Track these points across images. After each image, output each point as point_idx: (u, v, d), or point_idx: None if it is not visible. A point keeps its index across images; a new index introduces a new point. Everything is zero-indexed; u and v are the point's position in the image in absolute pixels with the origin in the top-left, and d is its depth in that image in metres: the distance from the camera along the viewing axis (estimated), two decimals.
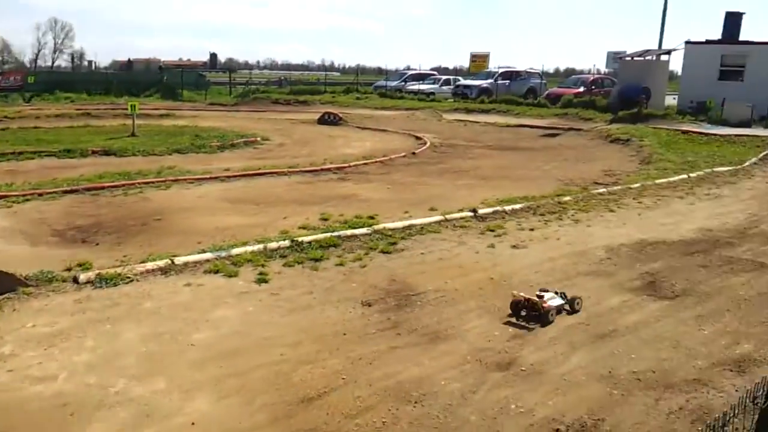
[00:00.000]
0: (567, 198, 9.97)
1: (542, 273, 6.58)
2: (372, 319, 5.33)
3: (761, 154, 15.03)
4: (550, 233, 8.09)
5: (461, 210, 8.87)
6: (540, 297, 5.36)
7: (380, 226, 7.90)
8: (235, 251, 6.74)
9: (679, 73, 28.59)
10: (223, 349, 4.71)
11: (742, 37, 26.45)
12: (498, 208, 9.05)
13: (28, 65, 64.60)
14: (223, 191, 10.48)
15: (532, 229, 8.20)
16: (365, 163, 13.33)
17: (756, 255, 7.47)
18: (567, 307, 5.51)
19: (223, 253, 6.66)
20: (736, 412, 3.03)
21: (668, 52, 27.36)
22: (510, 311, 5.42)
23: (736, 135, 18.39)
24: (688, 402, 4.14)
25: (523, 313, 5.33)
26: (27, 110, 24.52)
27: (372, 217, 8.52)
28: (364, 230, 7.72)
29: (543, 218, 8.80)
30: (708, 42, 26.32)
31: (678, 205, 10.02)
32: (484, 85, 33.12)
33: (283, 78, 50.41)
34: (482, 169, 13.45)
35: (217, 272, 6.24)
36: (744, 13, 26.47)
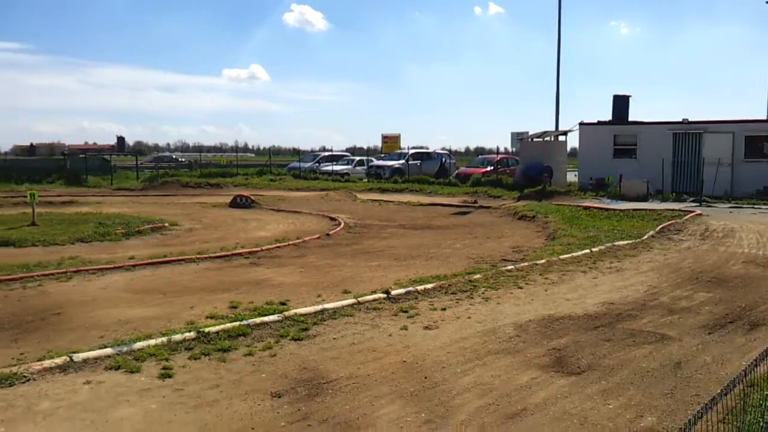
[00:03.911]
0: (477, 276, 10.16)
1: (453, 353, 6.61)
2: (282, 411, 5.15)
3: (658, 227, 15.76)
4: (461, 312, 8.19)
5: (374, 292, 8.87)
6: None
7: (291, 312, 7.78)
8: (137, 345, 6.43)
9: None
10: None
11: (630, 118, 28.52)
12: (411, 288, 9.11)
13: None
14: (127, 281, 10.08)
15: (444, 309, 8.27)
16: (278, 247, 13.21)
17: (657, 327, 7.76)
18: None
19: (125, 348, 6.34)
20: None
21: (564, 133, 29.11)
22: None
23: (634, 209, 19.39)
24: None
25: None
26: None
27: (283, 303, 8.39)
28: (274, 317, 7.56)
29: (455, 297, 8.91)
30: (600, 123, 28.22)
31: (582, 279, 10.38)
32: (397, 165, 34.06)
33: (190, 160, 49.90)
34: (396, 249, 13.58)
35: (118, 368, 5.92)
36: (630, 96, 28.65)
